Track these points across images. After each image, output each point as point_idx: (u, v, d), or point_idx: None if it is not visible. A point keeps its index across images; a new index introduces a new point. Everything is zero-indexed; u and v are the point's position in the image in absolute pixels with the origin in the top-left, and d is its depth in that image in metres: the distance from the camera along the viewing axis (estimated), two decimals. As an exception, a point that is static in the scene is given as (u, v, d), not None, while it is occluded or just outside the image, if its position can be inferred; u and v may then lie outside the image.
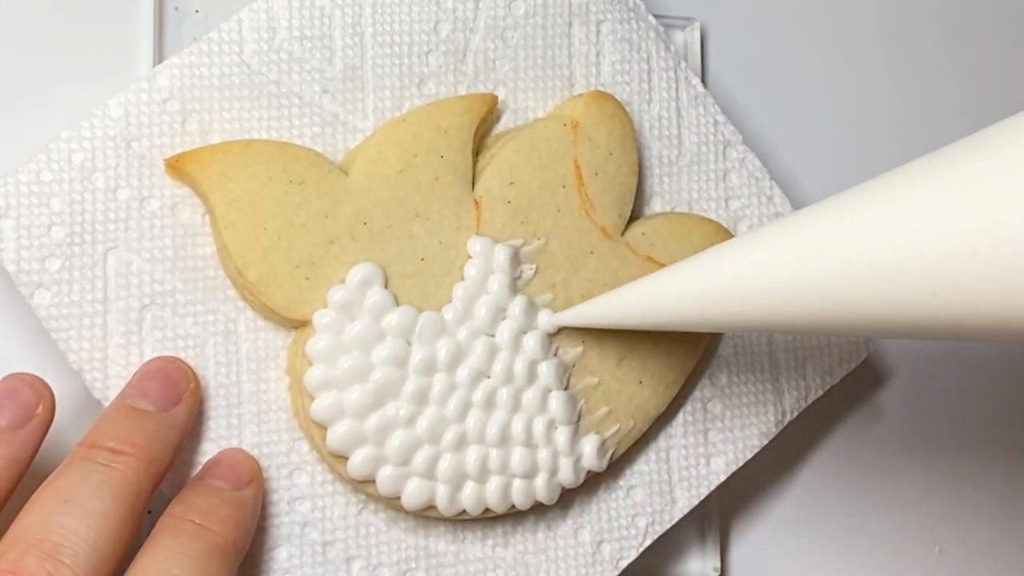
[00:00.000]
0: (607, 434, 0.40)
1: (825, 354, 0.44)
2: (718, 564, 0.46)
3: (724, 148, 0.44)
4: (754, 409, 0.44)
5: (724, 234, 0.43)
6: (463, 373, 0.38)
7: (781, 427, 0.44)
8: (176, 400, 0.37)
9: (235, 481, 0.37)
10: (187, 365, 0.38)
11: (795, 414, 0.44)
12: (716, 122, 0.44)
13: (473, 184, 0.40)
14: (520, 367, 0.39)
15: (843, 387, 0.46)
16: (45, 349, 0.39)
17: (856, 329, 0.30)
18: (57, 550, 0.32)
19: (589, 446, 0.40)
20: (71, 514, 0.33)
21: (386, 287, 0.38)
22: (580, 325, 0.39)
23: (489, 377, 0.39)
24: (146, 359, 0.37)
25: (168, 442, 0.36)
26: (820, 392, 0.45)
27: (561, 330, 0.40)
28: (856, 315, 0.29)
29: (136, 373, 0.37)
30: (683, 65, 0.44)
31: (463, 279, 0.39)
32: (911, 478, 0.51)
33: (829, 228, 0.30)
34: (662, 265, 0.41)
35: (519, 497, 0.39)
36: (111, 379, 0.37)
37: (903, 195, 0.28)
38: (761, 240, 0.32)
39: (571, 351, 0.40)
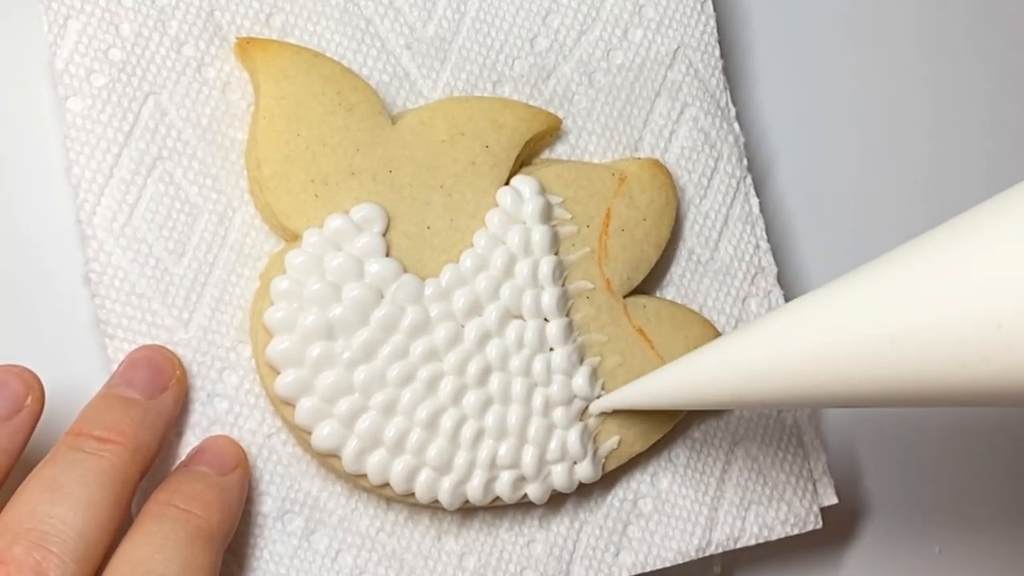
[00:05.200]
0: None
1: (772, 508, 0.44)
2: (718, 568, 0.45)
3: (755, 275, 0.44)
4: (681, 525, 0.43)
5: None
6: (418, 347, 0.38)
7: (701, 555, 0.43)
8: (162, 387, 0.37)
9: (220, 467, 0.38)
10: (173, 353, 0.38)
11: (719, 550, 0.43)
12: (758, 247, 0.44)
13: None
14: (474, 368, 0.39)
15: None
16: (35, 339, 0.40)
17: (877, 400, 0.31)
18: (45, 539, 0.33)
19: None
20: (58, 503, 0.33)
21: (384, 236, 0.38)
22: (619, 408, 0.40)
23: (441, 362, 0.39)
24: (141, 203, 0.38)
25: (155, 430, 0.37)
26: (752, 542, 0.44)
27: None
28: (876, 389, 0.30)
29: (122, 362, 0.38)
30: (748, 181, 0.44)
31: (457, 262, 0.39)
32: (911, 478, 0.50)
33: (851, 303, 0.30)
34: (650, 341, 0.41)
35: (422, 489, 0.39)
36: (100, 208, 0.38)
37: (926, 271, 0.29)
38: (784, 319, 0.32)
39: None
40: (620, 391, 0.40)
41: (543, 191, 0.40)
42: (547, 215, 0.40)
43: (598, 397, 0.40)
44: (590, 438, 0.40)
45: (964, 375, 0.28)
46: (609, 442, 0.40)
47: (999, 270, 0.27)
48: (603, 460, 0.40)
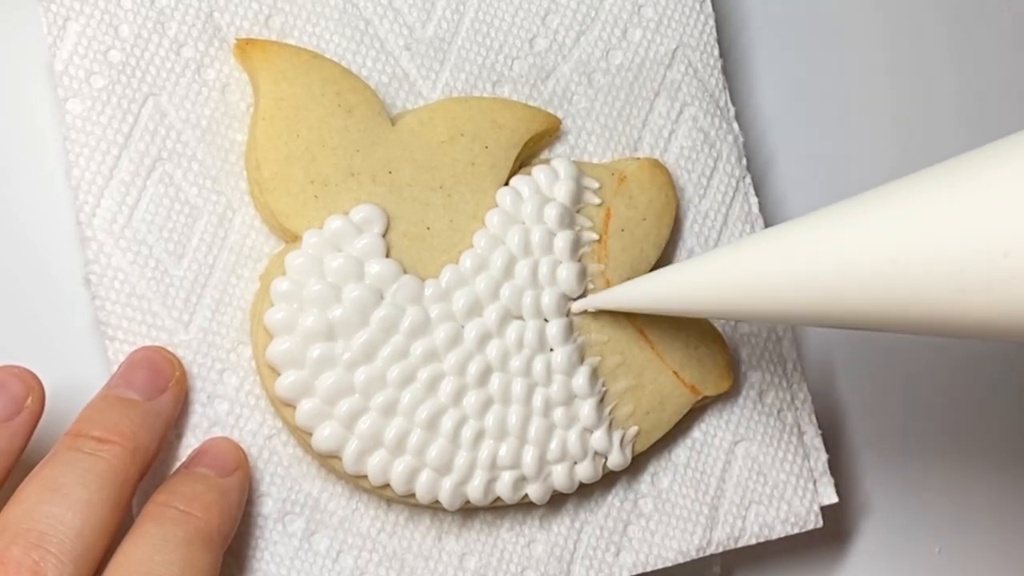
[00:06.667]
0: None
1: (772, 507, 0.44)
2: (718, 568, 0.45)
3: (755, 274, 0.44)
4: (682, 525, 0.43)
5: (719, 341, 0.42)
6: (418, 348, 0.38)
7: (701, 555, 0.43)
8: (162, 388, 0.37)
9: (220, 469, 0.38)
10: (172, 354, 0.38)
11: (719, 550, 0.43)
12: (757, 246, 0.44)
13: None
14: (474, 369, 0.39)
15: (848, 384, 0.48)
16: (35, 340, 0.41)
17: (880, 324, 0.30)
18: (43, 539, 0.33)
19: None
20: (57, 503, 0.33)
21: (384, 237, 0.38)
22: (611, 308, 0.39)
23: (441, 363, 0.39)
24: (141, 204, 0.38)
25: (154, 430, 0.37)
26: (752, 541, 0.44)
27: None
28: (881, 311, 0.30)
29: (122, 363, 0.38)
30: (748, 180, 0.44)
31: (457, 263, 0.39)
32: (911, 478, 0.50)
33: (858, 224, 0.30)
34: (650, 341, 0.41)
35: (423, 490, 0.39)
36: (100, 210, 0.38)
37: (934, 195, 0.29)
38: (790, 234, 0.32)
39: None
40: (613, 290, 0.39)
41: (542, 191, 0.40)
42: None
43: (599, 397, 0.40)
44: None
45: (964, 301, 0.28)
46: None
47: (1011, 198, 0.27)
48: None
